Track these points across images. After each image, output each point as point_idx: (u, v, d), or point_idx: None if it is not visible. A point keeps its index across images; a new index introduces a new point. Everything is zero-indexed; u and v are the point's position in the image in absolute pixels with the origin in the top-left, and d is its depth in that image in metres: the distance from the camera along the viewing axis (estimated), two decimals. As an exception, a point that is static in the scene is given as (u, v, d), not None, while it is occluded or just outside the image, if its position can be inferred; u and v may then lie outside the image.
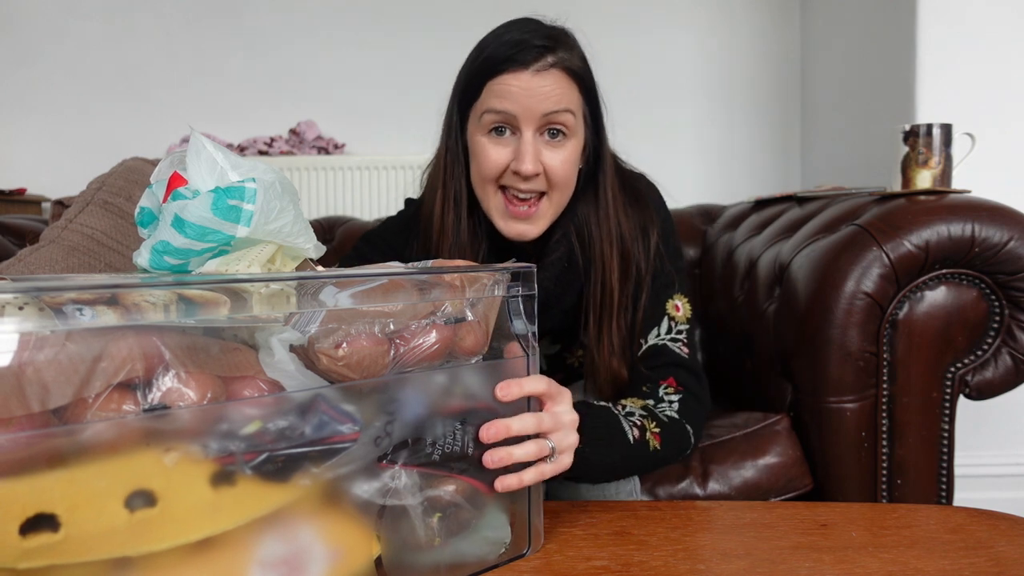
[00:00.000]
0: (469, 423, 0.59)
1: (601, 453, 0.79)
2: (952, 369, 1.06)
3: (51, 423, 0.40)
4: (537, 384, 0.64)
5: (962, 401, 1.08)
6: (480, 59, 0.87)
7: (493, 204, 0.89)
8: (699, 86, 2.47)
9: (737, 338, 1.35)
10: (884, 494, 1.06)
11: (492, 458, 0.60)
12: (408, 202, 1.06)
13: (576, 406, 0.72)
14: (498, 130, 0.86)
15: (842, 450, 1.06)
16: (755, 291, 1.29)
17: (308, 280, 0.51)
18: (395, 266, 0.64)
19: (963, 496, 1.61)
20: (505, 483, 0.62)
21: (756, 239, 1.41)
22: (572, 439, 0.68)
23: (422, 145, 2.50)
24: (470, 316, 0.59)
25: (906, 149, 1.14)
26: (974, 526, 0.71)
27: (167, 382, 0.44)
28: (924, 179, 1.13)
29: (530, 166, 0.84)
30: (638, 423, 0.84)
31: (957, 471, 1.08)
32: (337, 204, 2.36)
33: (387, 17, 2.45)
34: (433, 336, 0.56)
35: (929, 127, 1.13)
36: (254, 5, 2.46)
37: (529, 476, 0.63)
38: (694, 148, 2.47)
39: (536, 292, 0.64)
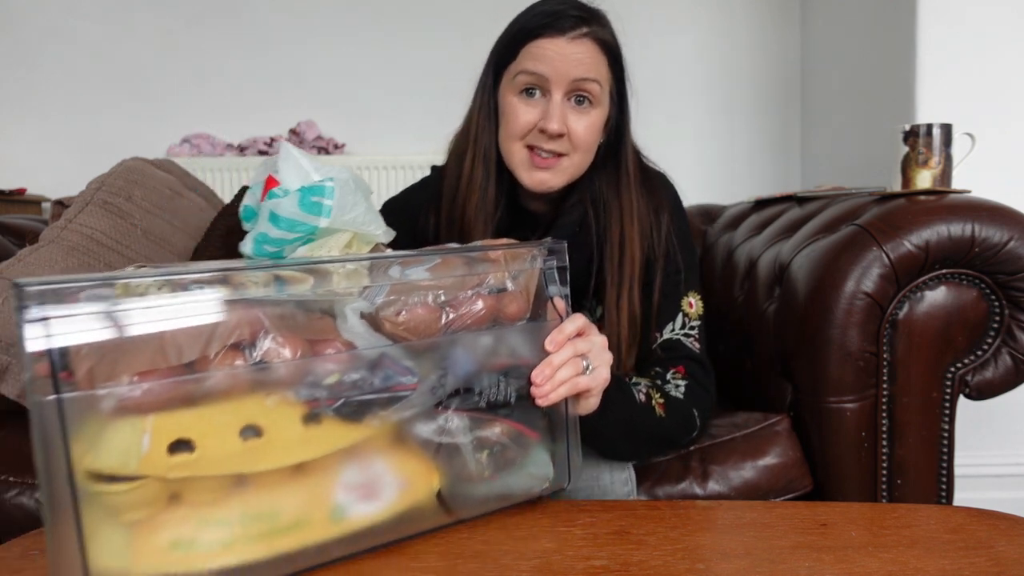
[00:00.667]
0: (511, 376, 0.69)
1: (617, 400, 0.83)
2: (952, 369, 1.06)
3: (185, 373, 0.53)
4: (575, 323, 0.72)
5: (962, 401, 1.08)
6: (517, 26, 0.93)
7: (518, 159, 0.94)
8: (699, 86, 2.47)
9: (737, 338, 1.35)
10: (884, 494, 1.06)
11: (539, 392, 0.69)
12: (434, 169, 1.10)
13: None
14: (529, 91, 0.92)
15: (842, 450, 1.06)
16: (755, 291, 1.29)
17: (377, 260, 0.63)
18: (449, 246, 0.74)
19: (963, 496, 1.61)
20: (549, 399, 0.70)
21: (756, 239, 1.41)
22: (607, 356, 0.75)
23: (422, 145, 2.51)
24: (511, 286, 0.69)
25: (906, 149, 1.14)
26: (974, 526, 0.71)
27: (267, 344, 0.56)
28: (924, 179, 1.13)
29: (556, 125, 0.89)
30: (643, 391, 0.89)
31: (957, 471, 1.08)
32: (337, 204, 2.36)
33: (387, 17, 2.45)
34: (479, 304, 0.67)
35: (929, 127, 1.13)
36: (254, 5, 2.46)
37: (563, 389, 0.70)
38: (694, 148, 2.47)
39: (568, 264, 0.73)
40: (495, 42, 0.96)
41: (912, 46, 1.70)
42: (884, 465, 1.06)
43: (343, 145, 2.46)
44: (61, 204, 1.58)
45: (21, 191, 2.32)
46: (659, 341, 0.97)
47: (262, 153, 2.42)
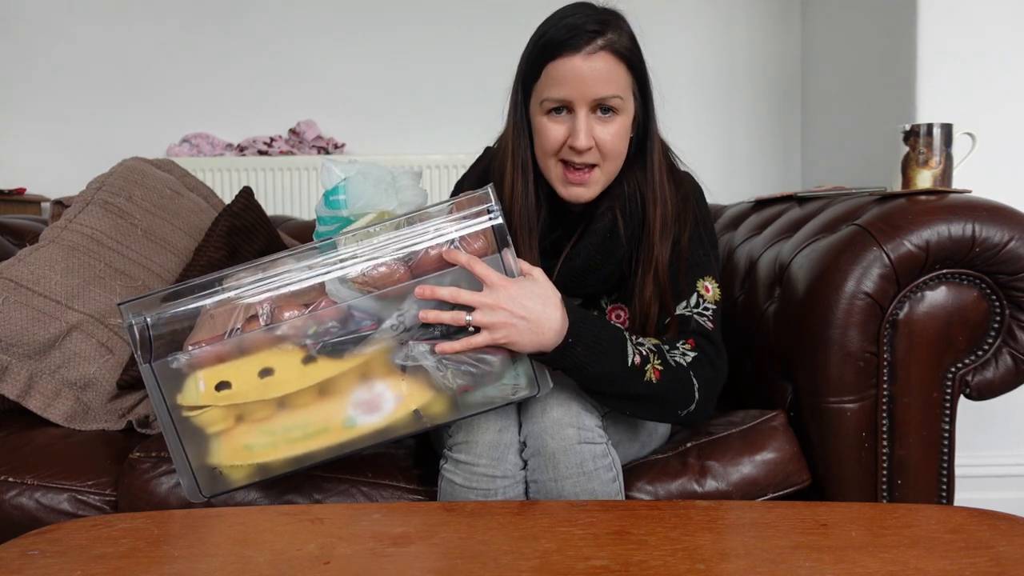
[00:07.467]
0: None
1: (593, 358, 0.88)
2: (952, 369, 1.06)
3: (225, 338, 0.81)
4: (480, 268, 0.82)
5: (962, 401, 1.08)
6: (540, 43, 0.97)
7: (554, 174, 1.00)
8: (699, 86, 2.47)
9: (737, 338, 1.35)
10: (884, 494, 1.06)
11: (425, 315, 0.81)
12: (486, 150, 1.18)
13: (582, 313, 0.89)
14: (556, 110, 0.97)
15: (842, 450, 1.06)
16: (755, 291, 1.29)
17: (354, 233, 0.85)
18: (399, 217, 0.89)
19: (963, 496, 1.61)
20: (442, 347, 0.82)
21: (756, 239, 1.41)
22: (496, 318, 0.82)
23: (422, 145, 2.51)
24: (465, 232, 0.83)
25: (906, 149, 1.14)
26: (974, 526, 0.71)
27: (273, 312, 0.81)
28: (924, 179, 1.13)
29: (583, 142, 0.94)
30: (643, 353, 0.92)
31: (957, 471, 1.08)
32: (337, 204, 2.36)
33: (387, 17, 2.45)
34: (432, 255, 0.83)
35: (929, 127, 1.13)
36: (254, 5, 2.46)
37: (458, 345, 0.82)
38: (694, 148, 2.47)
39: (499, 209, 0.83)
40: (521, 55, 1.00)
41: (912, 46, 1.70)
42: (884, 465, 1.06)
43: (343, 145, 2.46)
44: (61, 204, 1.58)
45: (21, 191, 2.32)
46: (673, 315, 1.01)
47: (262, 153, 2.42)
